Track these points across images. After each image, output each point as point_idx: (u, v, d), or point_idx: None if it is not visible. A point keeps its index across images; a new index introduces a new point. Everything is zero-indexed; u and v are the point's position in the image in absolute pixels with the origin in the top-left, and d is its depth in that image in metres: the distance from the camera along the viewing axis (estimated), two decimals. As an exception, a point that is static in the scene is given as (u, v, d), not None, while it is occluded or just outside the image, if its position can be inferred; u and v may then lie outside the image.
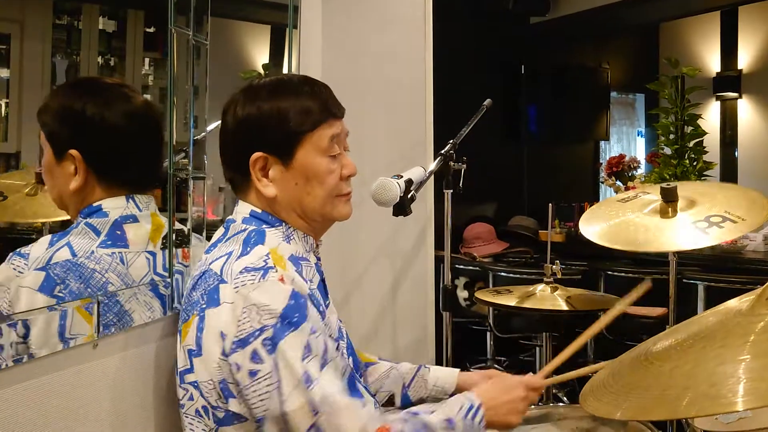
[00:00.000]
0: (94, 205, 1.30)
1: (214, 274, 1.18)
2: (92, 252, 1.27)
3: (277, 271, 1.15)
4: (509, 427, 1.34)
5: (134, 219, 1.34)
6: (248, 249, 1.20)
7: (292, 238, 1.29)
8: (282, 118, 1.24)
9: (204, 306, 1.17)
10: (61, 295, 1.20)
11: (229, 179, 1.33)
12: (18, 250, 1.22)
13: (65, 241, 1.26)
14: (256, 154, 1.25)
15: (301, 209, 1.28)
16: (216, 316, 1.14)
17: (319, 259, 1.36)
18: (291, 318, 1.11)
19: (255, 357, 1.10)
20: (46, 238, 1.26)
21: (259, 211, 1.29)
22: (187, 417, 1.21)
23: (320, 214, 1.29)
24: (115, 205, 1.32)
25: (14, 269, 1.19)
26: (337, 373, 1.16)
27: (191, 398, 1.20)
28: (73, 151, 1.27)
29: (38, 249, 1.23)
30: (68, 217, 1.36)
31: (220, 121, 1.34)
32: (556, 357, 1.46)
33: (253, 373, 1.11)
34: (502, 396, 1.34)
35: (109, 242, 1.29)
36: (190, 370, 1.19)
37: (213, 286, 1.17)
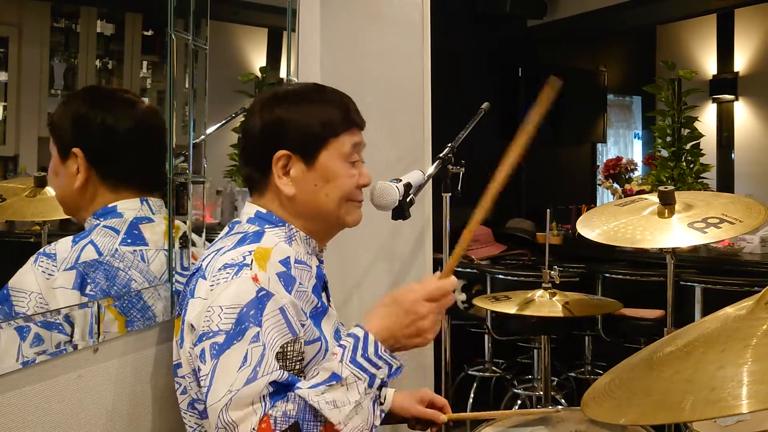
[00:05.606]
0: (109, 206, 1.33)
1: (201, 269, 1.21)
2: (116, 250, 1.30)
3: (251, 269, 1.15)
4: (420, 345, 1.19)
5: (149, 220, 1.37)
6: (237, 246, 1.21)
7: (294, 239, 1.30)
8: (309, 122, 1.28)
9: (188, 300, 1.20)
10: (92, 293, 1.23)
11: (247, 177, 1.35)
12: (42, 249, 1.24)
13: (88, 240, 1.28)
14: (280, 152, 1.27)
15: (317, 210, 1.30)
16: (191, 309, 1.17)
17: (321, 261, 1.37)
18: (244, 322, 1.10)
19: (202, 356, 1.12)
20: (68, 239, 1.28)
21: (264, 211, 1.30)
22: (182, 411, 1.24)
23: (335, 216, 1.31)
24: (129, 207, 1.35)
25: (43, 272, 1.20)
26: (264, 379, 1.08)
27: (184, 392, 1.22)
28: (76, 150, 1.30)
29: (63, 248, 1.25)
30: (66, 217, 1.38)
31: (224, 121, 1.35)
32: (452, 256, 1.21)
33: (197, 369, 1.14)
34: (399, 321, 1.15)
35: (129, 240, 1.33)
36: (180, 364, 1.22)
37: (196, 281, 1.20)
